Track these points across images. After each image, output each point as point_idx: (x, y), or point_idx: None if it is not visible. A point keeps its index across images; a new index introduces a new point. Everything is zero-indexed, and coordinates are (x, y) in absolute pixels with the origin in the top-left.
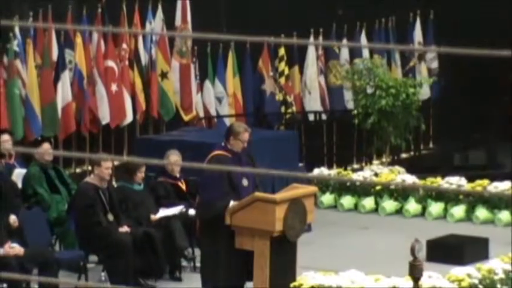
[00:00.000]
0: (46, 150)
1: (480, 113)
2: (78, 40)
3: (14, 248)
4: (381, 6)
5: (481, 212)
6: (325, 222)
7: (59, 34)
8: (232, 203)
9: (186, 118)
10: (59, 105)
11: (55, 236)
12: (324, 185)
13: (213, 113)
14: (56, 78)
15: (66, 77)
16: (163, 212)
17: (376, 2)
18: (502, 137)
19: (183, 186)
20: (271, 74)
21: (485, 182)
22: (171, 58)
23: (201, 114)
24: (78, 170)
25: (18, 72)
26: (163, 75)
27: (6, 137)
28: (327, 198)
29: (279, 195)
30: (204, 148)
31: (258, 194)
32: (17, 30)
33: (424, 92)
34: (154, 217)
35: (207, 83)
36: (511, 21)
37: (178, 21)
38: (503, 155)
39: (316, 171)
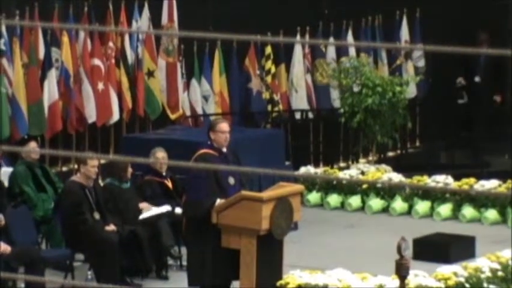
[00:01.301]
0: (32, 149)
1: (466, 111)
2: (65, 39)
3: (0, 246)
4: (368, 4)
5: (468, 211)
6: (311, 220)
7: (46, 32)
8: (218, 201)
9: (172, 117)
10: (46, 104)
11: (41, 235)
12: (310, 184)
13: (199, 111)
14: (43, 77)
15: (52, 75)
16: (148, 213)
17: (362, 0)
18: (488, 135)
19: (170, 185)
20: (257, 72)
21: (472, 180)
22: (158, 57)
23: (188, 112)
24: (64, 169)
25: (5, 71)
26: (150, 73)
27: None
28: (314, 196)
29: (265, 194)
30: (191, 147)
31: (245, 192)
32: (3, 28)
33: (411, 91)
34: (142, 216)
35: (194, 82)
36: (493, 19)
37: (164, 19)
38: (490, 153)
39: (303, 170)
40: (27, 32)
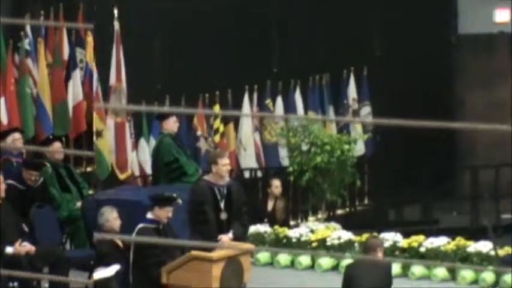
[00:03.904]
0: (57, 149)
1: (414, 168)
2: (89, 39)
3: (25, 246)
4: (315, 63)
5: (417, 268)
6: (261, 279)
7: (70, 33)
8: None
9: (121, 177)
10: (70, 104)
11: (66, 235)
12: (260, 242)
13: (148, 171)
14: (67, 77)
15: (77, 76)
16: (100, 274)
17: (309, 59)
18: (436, 192)
19: (120, 243)
20: (200, 133)
21: (421, 237)
22: (106, 117)
23: (137, 172)
24: (89, 169)
25: (29, 71)
26: (98, 133)
27: (17, 135)
28: (263, 255)
29: (215, 254)
30: (140, 207)
31: (194, 252)
32: (28, 28)
33: (359, 148)
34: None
35: (142, 141)
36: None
37: (112, 80)
38: (438, 210)
39: (253, 228)
40: (52, 33)
